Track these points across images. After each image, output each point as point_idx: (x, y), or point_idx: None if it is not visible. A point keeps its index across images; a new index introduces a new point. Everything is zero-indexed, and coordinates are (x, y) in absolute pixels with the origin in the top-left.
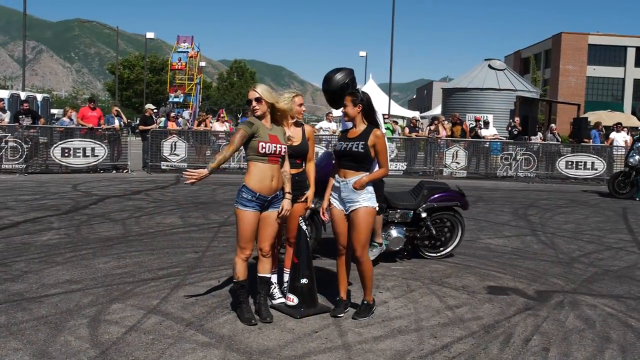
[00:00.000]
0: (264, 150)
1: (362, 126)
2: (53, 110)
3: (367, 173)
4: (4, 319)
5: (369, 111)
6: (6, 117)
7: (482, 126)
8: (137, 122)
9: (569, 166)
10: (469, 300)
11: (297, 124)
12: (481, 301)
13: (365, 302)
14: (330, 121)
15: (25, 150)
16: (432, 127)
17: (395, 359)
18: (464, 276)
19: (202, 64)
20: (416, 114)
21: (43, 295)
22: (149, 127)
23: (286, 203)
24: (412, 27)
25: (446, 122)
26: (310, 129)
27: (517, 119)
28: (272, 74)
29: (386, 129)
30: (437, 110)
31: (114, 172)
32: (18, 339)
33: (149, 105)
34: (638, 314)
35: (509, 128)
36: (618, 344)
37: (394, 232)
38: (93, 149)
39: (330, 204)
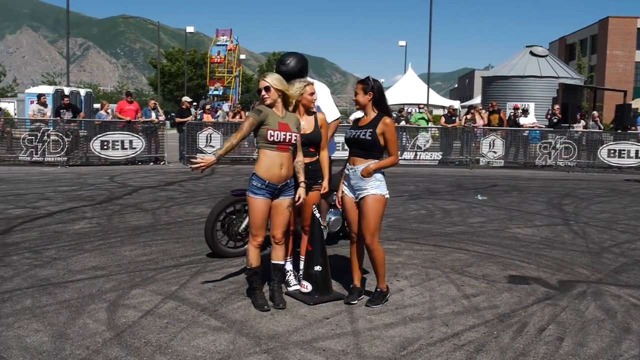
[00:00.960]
0: (272, 138)
1: (372, 114)
2: (96, 105)
3: (376, 161)
4: (30, 302)
5: (380, 99)
6: (48, 111)
7: (521, 114)
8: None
9: (612, 154)
10: (487, 289)
11: (309, 113)
12: (500, 290)
13: (379, 289)
14: None
15: (66, 143)
16: (469, 116)
17: (403, 345)
18: (486, 265)
19: (242, 56)
20: (455, 103)
21: (68, 280)
22: (185, 119)
23: (301, 192)
24: (454, 15)
25: (483, 110)
26: (322, 117)
27: (556, 107)
28: (314, 65)
29: (420, 118)
30: (478, 99)
31: (151, 164)
32: (40, 321)
33: (186, 98)
34: None
35: (549, 116)
36: (638, 335)
37: (331, 216)
38: (131, 142)
39: (342, 192)
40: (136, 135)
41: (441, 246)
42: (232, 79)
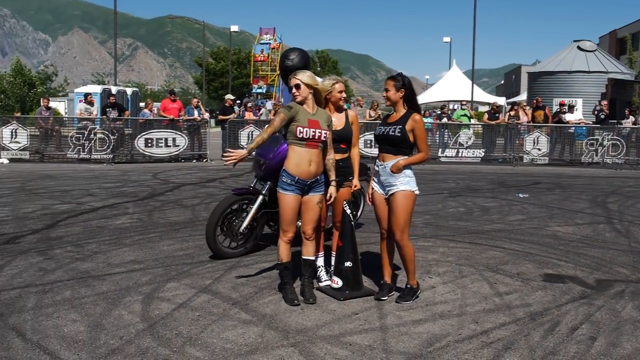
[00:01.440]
0: (301, 134)
1: (402, 111)
2: (142, 104)
3: (406, 157)
4: (69, 293)
5: (411, 96)
6: (95, 110)
7: (567, 110)
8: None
9: None
10: (521, 288)
11: (340, 110)
12: (534, 289)
13: (409, 285)
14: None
15: (112, 141)
16: (512, 113)
17: (430, 342)
18: (522, 263)
19: None
20: (500, 100)
21: (107, 273)
22: (228, 117)
23: (332, 190)
24: (501, 10)
25: (527, 107)
26: (354, 113)
27: (604, 103)
28: (359, 63)
29: (463, 115)
30: (524, 95)
31: (194, 161)
32: (78, 311)
33: (229, 96)
34: None
35: (596, 112)
36: None
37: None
38: (174, 139)
39: (372, 189)
40: (179, 133)
41: (477, 244)
42: (275, 77)
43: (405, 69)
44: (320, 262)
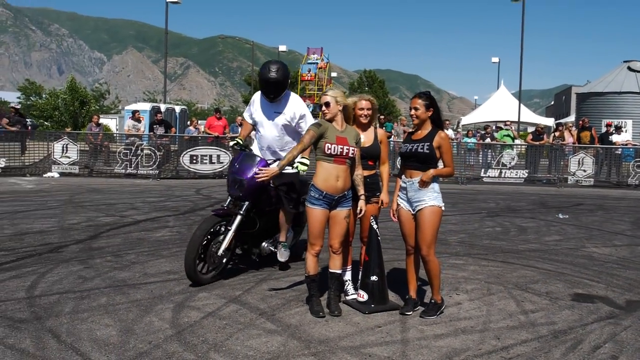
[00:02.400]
0: (329, 151)
1: (428, 128)
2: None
3: (435, 168)
4: (105, 300)
5: (438, 114)
6: (142, 126)
7: (614, 131)
8: None
9: None
10: (548, 306)
11: (369, 127)
12: (561, 307)
13: (433, 300)
14: (447, 128)
15: (158, 157)
16: (557, 134)
17: (448, 355)
18: (553, 283)
19: (334, 74)
20: (548, 121)
21: (142, 282)
22: None
23: (362, 204)
24: (553, 30)
25: (573, 127)
26: (383, 132)
27: None
28: (408, 83)
29: (506, 135)
30: (574, 116)
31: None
32: (111, 317)
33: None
34: None
35: None
36: None
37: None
38: (218, 156)
39: (398, 205)
40: (223, 150)
41: (509, 263)
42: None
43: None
44: (348, 276)
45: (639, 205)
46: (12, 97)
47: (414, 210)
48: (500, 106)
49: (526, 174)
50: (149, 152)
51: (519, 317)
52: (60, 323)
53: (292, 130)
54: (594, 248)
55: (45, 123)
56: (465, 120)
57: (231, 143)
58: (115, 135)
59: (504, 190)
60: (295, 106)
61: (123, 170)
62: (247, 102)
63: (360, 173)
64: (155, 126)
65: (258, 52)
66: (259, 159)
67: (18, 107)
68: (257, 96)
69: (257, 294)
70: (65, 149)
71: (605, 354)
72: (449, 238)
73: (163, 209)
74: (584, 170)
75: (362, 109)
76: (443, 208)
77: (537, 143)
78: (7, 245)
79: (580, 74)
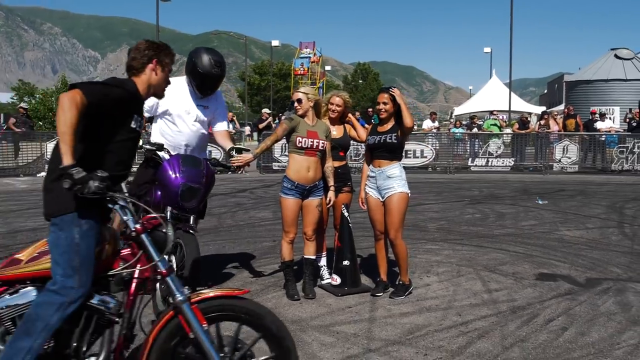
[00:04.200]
0: (300, 144)
1: (392, 121)
2: None
3: (400, 162)
4: None
5: (399, 107)
6: None
7: (598, 118)
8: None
9: None
10: (512, 285)
11: (342, 122)
12: (524, 286)
13: (401, 282)
14: (433, 121)
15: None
16: (542, 122)
17: (411, 331)
18: (520, 264)
19: (328, 67)
20: (540, 109)
21: None
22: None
23: (331, 195)
24: (547, 18)
25: (558, 116)
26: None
27: (636, 111)
28: (403, 74)
29: (493, 125)
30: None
31: (229, 172)
32: None
33: (265, 110)
34: None
35: (628, 120)
36: None
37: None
38: (210, 152)
39: (367, 194)
40: (215, 145)
41: (483, 247)
42: (315, 89)
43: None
44: (323, 262)
45: (618, 190)
46: (6, 98)
47: (382, 197)
48: (492, 96)
49: (512, 162)
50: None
51: (482, 296)
52: None
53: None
54: (567, 231)
55: (39, 123)
56: (459, 110)
57: (146, 146)
58: None
59: (490, 179)
60: (220, 99)
61: None
62: (242, 97)
63: (330, 165)
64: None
65: (254, 47)
66: (201, 159)
67: (27, 107)
68: (171, 84)
69: (238, 281)
70: None
71: (557, 326)
72: (428, 225)
73: None
74: (569, 157)
75: (332, 104)
76: (409, 194)
77: (523, 131)
78: (0, 242)
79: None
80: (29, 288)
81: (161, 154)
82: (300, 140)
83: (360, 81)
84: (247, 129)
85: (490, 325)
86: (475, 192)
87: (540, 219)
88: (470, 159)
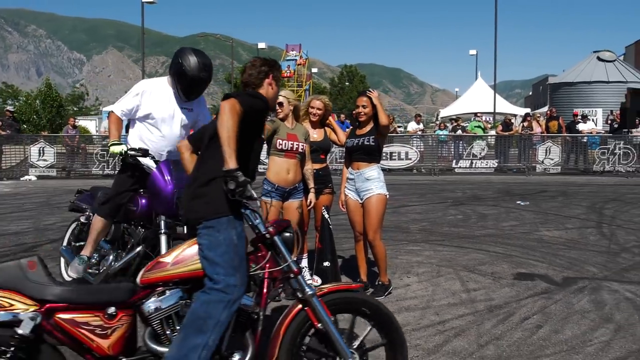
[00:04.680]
0: (280, 146)
1: (371, 124)
2: None
3: (378, 164)
4: None
5: (376, 110)
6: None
7: (580, 120)
8: None
9: None
10: (490, 285)
11: (322, 125)
12: (502, 286)
13: (380, 282)
14: (418, 123)
15: None
16: (525, 124)
17: None
18: (499, 264)
19: (314, 70)
20: (524, 111)
21: None
22: None
23: (312, 197)
24: (533, 20)
25: (541, 117)
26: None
27: (616, 112)
28: (390, 76)
29: (477, 126)
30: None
31: None
32: None
33: None
34: None
35: (609, 121)
36: (616, 324)
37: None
38: None
39: (346, 196)
40: None
41: (463, 247)
42: (302, 92)
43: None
44: (304, 263)
45: (599, 191)
46: None
47: (361, 199)
48: (478, 98)
49: (496, 164)
50: None
51: (460, 296)
52: None
53: None
54: (546, 231)
55: (23, 126)
56: (444, 112)
57: (121, 150)
58: (94, 137)
59: (474, 180)
60: (202, 100)
61: (100, 172)
62: None
63: (310, 167)
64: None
65: (241, 49)
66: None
67: (13, 109)
68: (154, 86)
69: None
70: (42, 152)
71: (532, 323)
72: (410, 226)
73: None
74: (552, 159)
75: (313, 107)
76: (387, 196)
77: (507, 133)
78: None
79: (561, 64)
80: (175, 290)
81: (144, 160)
82: (281, 142)
83: (347, 83)
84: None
85: (467, 324)
86: (458, 193)
87: (521, 219)
88: (454, 161)
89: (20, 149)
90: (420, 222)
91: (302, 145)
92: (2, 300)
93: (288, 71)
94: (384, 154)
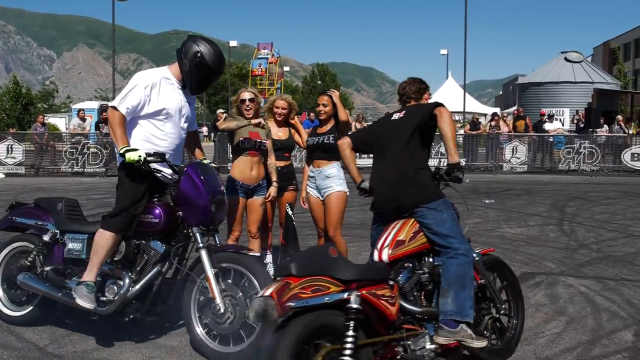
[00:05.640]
0: (244, 145)
1: (331, 122)
2: None
3: (339, 162)
4: None
5: (336, 110)
6: (87, 125)
7: (547, 120)
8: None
9: (635, 158)
10: None
11: (286, 124)
12: None
13: None
14: None
15: (105, 155)
16: (493, 123)
17: None
18: None
19: (287, 68)
20: (493, 111)
21: None
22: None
23: (272, 190)
24: (505, 20)
25: (508, 117)
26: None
27: (582, 112)
28: (363, 75)
29: None
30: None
31: None
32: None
33: (220, 110)
34: (610, 293)
35: (575, 121)
36: (569, 317)
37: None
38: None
39: (307, 193)
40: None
41: None
42: (273, 90)
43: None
44: (269, 259)
45: (563, 189)
46: None
47: (322, 196)
48: (448, 97)
49: (464, 163)
50: (95, 150)
51: None
52: None
53: None
54: (509, 229)
55: None
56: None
57: (140, 158)
58: (63, 134)
59: None
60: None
61: (70, 169)
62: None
63: (272, 161)
64: (101, 125)
65: None
66: (213, 167)
67: None
68: (159, 77)
69: None
70: (10, 149)
71: None
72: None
73: (107, 205)
74: (518, 158)
75: (277, 107)
76: (348, 193)
77: (474, 132)
78: None
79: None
80: (410, 262)
81: (163, 168)
82: (243, 141)
83: (319, 82)
84: (205, 129)
85: None
86: None
87: (485, 217)
88: None
89: None
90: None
91: (265, 142)
92: (321, 284)
93: (260, 69)
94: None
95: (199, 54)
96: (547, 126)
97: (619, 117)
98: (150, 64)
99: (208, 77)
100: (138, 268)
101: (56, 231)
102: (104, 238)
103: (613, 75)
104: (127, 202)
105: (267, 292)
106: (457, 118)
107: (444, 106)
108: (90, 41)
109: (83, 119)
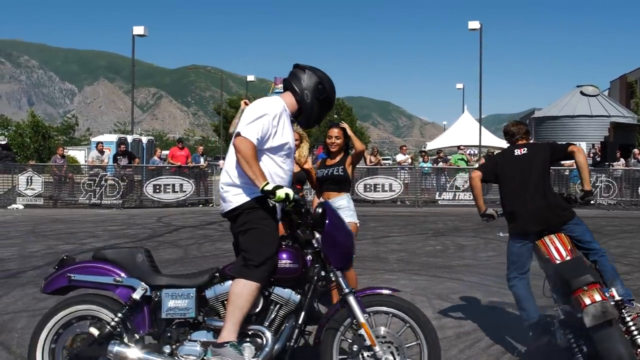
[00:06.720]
0: None
1: (341, 154)
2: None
3: (348, 193)
4: None
5: (347, 142)
6: (105, 157)
7: None
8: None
9: None
10: (461, 313)
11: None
12: (473, 313)
13: None
14: (404, 153)
15: (122, 187)
16: None
17: None
18: (472, 293)
19: None
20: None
21: None
22: None
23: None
24: (522, 54)
25: None
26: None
27: (598, 146)
28: (380, 109)
29: (460, 159)
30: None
31: (200, 206)
32: None
33: None
34: None
35: (591, 155)
36: None
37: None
38: (181, 185)
39: None
40: (186, 179)
41: (439, 277)
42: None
43: (425, 115)
44: None
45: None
46: None
47: None
48: (464, 131)
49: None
50: (113, 182)
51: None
52: (11, 337)
53: None
54: None
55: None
56: (431, 145)
57: (290, 196)
58: (82, 166)
59: (456, 212)
60: None
61: (87, 201)
62: (217, 131)
63: None
64: (119, 157)
65: (231, 81)
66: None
67: (4, 142)
68: (280, 106)
69: None
70: (29, 181)
71: (498, 349)
72: (389, 256)
73: (123, 236)
74: None
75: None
76: (358, 224)
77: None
78: None
79: (549, 98)
80: None
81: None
82: None
83: (335, 116)
84: (222, 163)
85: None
86: (440, 225)
87: (499, 250)
88: (437, 193)
89: (9, 177)
90: (399, 252)
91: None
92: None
93: None
94: (368, 186)
95: (320, 85)
96: (564, 160)
97: (636, 150)
98: (169, 98)
99: (328, 108)
100: (276, 322)
101: (146, 287)
102: (249, 290)
103: (630, 109)
104: (272, 248)
105: (598, 298)
106: (473, 151)
107: (575, 145)
108: (110, 75)
109: (102, 152)
